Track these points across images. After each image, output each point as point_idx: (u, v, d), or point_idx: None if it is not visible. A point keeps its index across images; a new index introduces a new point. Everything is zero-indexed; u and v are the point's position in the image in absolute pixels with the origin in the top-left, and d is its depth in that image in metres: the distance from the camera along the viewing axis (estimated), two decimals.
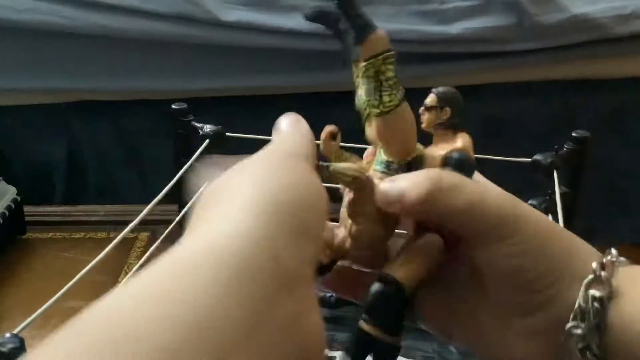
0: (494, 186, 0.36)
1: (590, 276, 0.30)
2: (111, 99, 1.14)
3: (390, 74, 0.35)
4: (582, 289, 0.30)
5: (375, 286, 0.31)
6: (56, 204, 1.14)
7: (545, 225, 0.32)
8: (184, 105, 0.74)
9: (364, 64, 0.35)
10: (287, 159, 0.31)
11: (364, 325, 0.31)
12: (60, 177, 1.16)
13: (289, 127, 0.36)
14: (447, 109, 0.36)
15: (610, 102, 1.15)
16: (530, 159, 0.68)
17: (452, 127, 0.37)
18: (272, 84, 1.11)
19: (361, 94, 0.35)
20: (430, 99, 0.37)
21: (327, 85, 1.12)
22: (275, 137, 0.34)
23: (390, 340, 0.31)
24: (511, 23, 1.05)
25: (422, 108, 0.37)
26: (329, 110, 1.17)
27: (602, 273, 0.31)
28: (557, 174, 0.67)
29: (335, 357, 0.60)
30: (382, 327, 0.30)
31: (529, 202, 0.70)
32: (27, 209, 0.84)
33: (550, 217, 0.67)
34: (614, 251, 0.32)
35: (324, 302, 0.66)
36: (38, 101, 1.14)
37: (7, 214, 0.78)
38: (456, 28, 1.04)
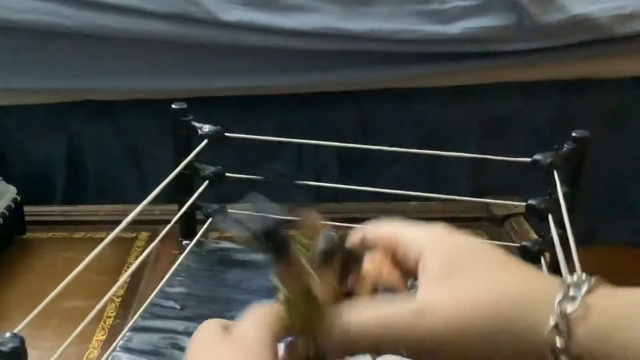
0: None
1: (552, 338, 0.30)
2: (111, 99, 1.14)
3: None
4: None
5: None
6: (56, 204, 1.14)
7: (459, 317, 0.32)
8: (184, 105, 0.74)
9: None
10: None
11: None
12: (60, 177, 1.16)
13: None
14: (333, 267, 0.36)
15: (610, 102, 1.15)
16: (530, 159, 0.68)
17: (352, 262, 0.37)
18: (272, 84, 1.11)
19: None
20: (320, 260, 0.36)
21: (327, 85, 1.12)
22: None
23: None
24: (511, 23, 1.05)
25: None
26: (329, 110, 1.17)
27: (557, 341, 0.30)
28: (557, 173, 0.67)
29: None
30: None
31: (529, 201, 0.70)
32: (27, 209, 0.84)
33: (550, 217, 0.67)
34: (576, 277, 0.32)
35: None
36: (38, 101, 1.13)
37: (7, 214, 0.78)
38: (456, 28, 1.04)
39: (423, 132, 1.13)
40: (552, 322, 0.30)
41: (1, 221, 0.77)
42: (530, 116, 1.15)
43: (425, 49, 1.06)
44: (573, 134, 0.68)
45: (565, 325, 0.30)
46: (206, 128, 0.72)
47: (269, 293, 0.69)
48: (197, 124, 0.73)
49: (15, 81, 1.10)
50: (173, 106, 0.74)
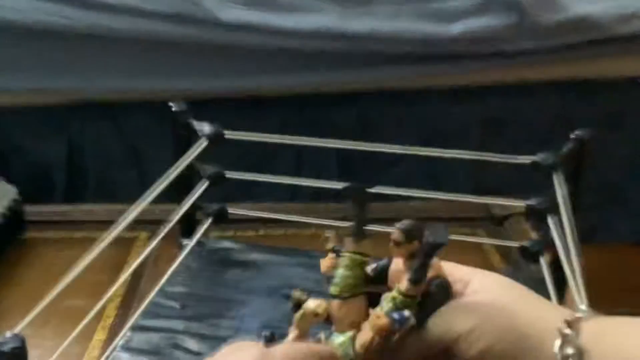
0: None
1: (559, 338, 0.35)
2: (111, 99, 1.14)
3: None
4: (556, 350, 0.35)
5: None
6: (56, 203, 1.14)
7: (496, 308, 0.37)
8: (184, 105, 0.74)
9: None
10: None
11: None
12: (60, 177, 1.16)
13: None
14: (415, 242, 0.38)
15: (610, 102, 1.15)
16: (530, 159, 0.68)
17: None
18: (272, 84, 1.11)
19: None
20: (396, 235, 0.39)
21: (327, 85, 1.12)
22: None
23: None
24: (511, 23, 1.05)
25: (391, 244, 0.39)
26: (329, 110, 1.17)
27: (568, 333, 0.35)
28: (557, 174, 0.67)
29: None
30: None
31: (529, 201, 0.70)
32: (27, 209, 0.84)
33: (550, 217, 0.67)
34: (582, 307, 0.38)
35: None
36: (38, 101, 1.13)
37: (7, 214, 0.78)
38: (456, 28, 1.04)
39: (423, 132, 1.13)
40: (560, 326, 0.35)
41: (1, 221, 0.77)
42: (530, 116, 1.15)
43: (425, 49, 1.06)
44: (573, 134, 0.68)
45: None
46: (206, 128, 0.72)
47: (269, 293, 0.70)
48: (197, 124, 0.73)
49: (15, 81, 1.10)
50: (173, 106, 0.74)
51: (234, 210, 0.78)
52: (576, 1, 1.05)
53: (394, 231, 0.39)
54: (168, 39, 1.05)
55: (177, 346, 0.62)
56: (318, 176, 1.15)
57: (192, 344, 0.62)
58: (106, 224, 0.85)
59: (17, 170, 1.14)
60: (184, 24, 1.04)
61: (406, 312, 0.38)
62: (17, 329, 0.43)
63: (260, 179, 0.77)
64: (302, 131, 1.14)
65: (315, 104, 1.13)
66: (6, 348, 0.41)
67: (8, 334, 0.42)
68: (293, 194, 1.08)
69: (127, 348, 0.61)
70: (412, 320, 0.38)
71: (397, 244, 0.39)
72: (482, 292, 0.39)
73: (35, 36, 1.06)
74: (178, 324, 0.65)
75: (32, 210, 0.86)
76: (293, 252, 0.76)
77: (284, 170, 1.12)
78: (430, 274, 0.39)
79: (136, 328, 0.63)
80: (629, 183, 1.18)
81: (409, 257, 0.39)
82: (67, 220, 0.88)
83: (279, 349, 0.37)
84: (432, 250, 0.38)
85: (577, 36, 1.06)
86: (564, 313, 0.37)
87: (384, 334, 0.38)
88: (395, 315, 0.38)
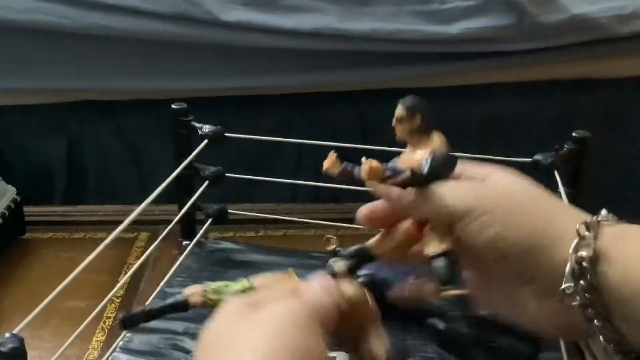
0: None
1: (576, 239, 0.34)
2: (111, 99, 1.14)
3: None
4: (571, 250, 0.33)
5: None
6: (56, 204, 1.14)
7: (511, 200, 0.36)
8: (184, 105, 0.74)
9: None
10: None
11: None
12: (60, 177, 1.16)
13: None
14: (418, 115, 0.39)
15: (610, 102, 1.15)
16: (530, 159, 0.68)
17: (425, 132, 0.40)
18: (272, 84, 1.11)
19: None
20: (399, 111, 0.39)
21: (327, 85, 1.12)
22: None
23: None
24: (511, 23, 1.05)
25: (394, 120, 0.39)
26: (329, 110, 1.17)
27: (587, 234, 0.33)
28: (558, 173, 0.67)
29: (335, 357, 0.60)
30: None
31: None
32: (27, 209, 0.84)
33: None
34: (603, 212, 0.36)
35: None
36: (38, 101, 1.14)
37: (7, 214, 0.78)
38: (456, 28, 1.04)
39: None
40: (567, 268, 0.33)
41: (1, 221, 0.77)
42: (530, 116, 1.15)
43: (425, 49, 1.06)
44: (573, 134, 0.68)
45: (578, 269, 0.33)
46: (206, 128, 0.72)
47: None
48: (197, 124, 0.73)
49: (15, 81, 1.10)
50: (173, 106, 0.74)
51: (234, 210, 0.78)
52: (576, 1, 1.05)
53: (398, 107, 0.39)
54: (168, 39, 1.05)
55: (177, 347, 0.62)
56: (318, 176, 1.15)
57: (191, 344, 0.62)
58: (106, 224, 0.85)
59: (17, 170, 1.14)
60: (184, 24, 1.04)
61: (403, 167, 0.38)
62: (16, 330, 0.43)
63: (260, 179, 0.77)
64: (302, 131, 1.15)
65: (315, 104, 1.13)
66: (5, 348, 0.41)
67: (7, 334, 0.41)
68: (293, 195, 1.08)
69: (126, 349, 0.61)
70: (407, 174, 0.37)
71: (400, 120, 0.39)
72: (502, 183, 0.37)
73: (35, 36, 1.06)
74: (178, 325, 0.65)
75: (32, 210, 0.86)
76: (293, 253, 0.76)
77: (284, 171, 1.12)
78: (426, 147, 0.39)
79: (136, 329, 0.63)
80: (629, 183, 1.18)
81: (412, 133, 0.39)
82: (67, 220, 0.88)
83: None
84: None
85: (577, 36, 1.06)
86: (585, 216, 0.35)
87: (375, 178, 0.38)
88: (389, 164, 0.38)
